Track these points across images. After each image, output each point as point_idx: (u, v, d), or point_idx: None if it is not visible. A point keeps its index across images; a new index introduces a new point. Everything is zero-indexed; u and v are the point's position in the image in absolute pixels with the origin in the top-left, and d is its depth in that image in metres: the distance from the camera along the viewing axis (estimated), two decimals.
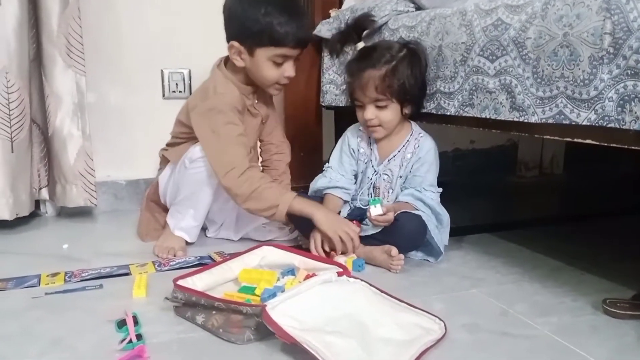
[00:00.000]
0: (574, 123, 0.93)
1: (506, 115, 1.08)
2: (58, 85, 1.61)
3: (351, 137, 1.43)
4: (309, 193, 1.44)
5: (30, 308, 1.06)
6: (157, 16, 1.82)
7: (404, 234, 1.26)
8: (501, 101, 1.09)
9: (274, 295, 0.98)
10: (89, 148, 1.66)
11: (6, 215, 1.54)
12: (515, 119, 1.05)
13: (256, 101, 1.47)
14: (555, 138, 1.00)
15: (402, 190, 1.37)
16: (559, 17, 0.94)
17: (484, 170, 2.31)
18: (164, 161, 1.51)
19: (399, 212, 1.28)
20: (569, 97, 0.94)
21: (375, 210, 1.29)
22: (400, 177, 1.37)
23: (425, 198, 1.33)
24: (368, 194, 1.39)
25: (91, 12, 1.70)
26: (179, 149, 1.43)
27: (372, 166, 1.39)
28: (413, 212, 1.29)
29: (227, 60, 1.42)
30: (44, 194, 1.73)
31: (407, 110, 1.34)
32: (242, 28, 1.33)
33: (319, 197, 1.42)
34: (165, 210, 1.48)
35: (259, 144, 1.62)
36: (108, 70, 1.79)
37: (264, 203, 1.29)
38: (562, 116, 0.95)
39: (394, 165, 1.37)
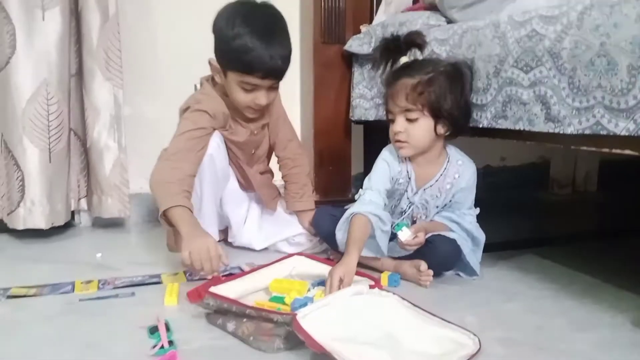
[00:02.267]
0: (612, 133, 0.91)
1: (541, 126, 1.06)
2: (96, 97, 1.66)
3: (392, 165, 1.31)
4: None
5: (65, 313, 1.08)
6: (191, 31, 1.86)
7: (437, 256, 1.23)
8: (536, 112, 1.07)
9: (304, 304, 0.97)
10: (124, 160, 1.71)
11: (42, 224, 1.58)
12: (550, 130, 1.04)
13: (243, 116, 1.43)
14: (592, 149, 0.99)
15: (438, 213, 1.34)
16: (596, 27, 0.93)
17: (515, 188, 2.28)
18: None
19: (432, 234, 1.25)
20: (607, 107, 0.92)
21: (403, 235, 1.23)
22: (437, 206, 1.33)
23: (464, 222, 1.29)
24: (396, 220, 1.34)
25: (128, 26, 1.75)
26: None
27: (407, 198, 1.32)
28: (447, 234, 1.26)
29: (212, 79, 1.43)
30: (83, 204, 1.77)
31: (441, 130, 1.24)
32: (217, 46, 1.32)
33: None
34: None
35: (274, 159, 1.61)
36: (143, 84, 1.84)
37: (157, 197, 1.27)
38: (600, 126, 0.94)
39: (430, 195, 1.31)
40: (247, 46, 1.24)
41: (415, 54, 1.32)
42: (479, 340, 0.90)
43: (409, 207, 1.34)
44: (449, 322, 0.96)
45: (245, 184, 1.53)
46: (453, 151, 1.33)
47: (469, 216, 1.32)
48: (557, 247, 1.54)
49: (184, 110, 1.39)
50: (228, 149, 1.45)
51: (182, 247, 1.15)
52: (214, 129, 1.38)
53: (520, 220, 1.88)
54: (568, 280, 1.26)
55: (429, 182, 1.31)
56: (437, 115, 1.22)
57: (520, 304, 1.12)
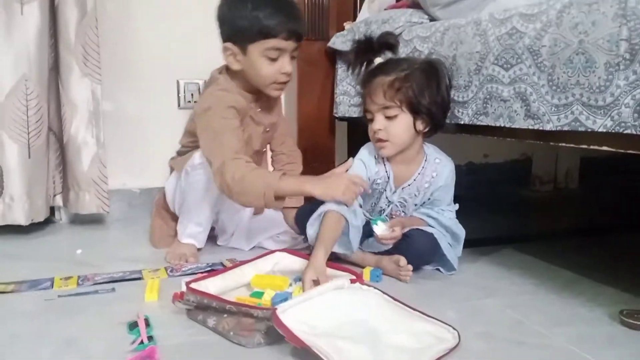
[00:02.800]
0: (589, 130, 0.93)
1: (521, 123, 1.07)
2: (74, 93, 1.63)
3: (370, 166, 1.31)
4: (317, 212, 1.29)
5: (44, 310, 1.07)
6: (173, 27, 1.85)
7: (414, 250, 1.24)
8: (516, 109, 1.08)
9: (285, 299, 0.97)
10: (103, 156, 1.68)
11: (22, 220, 1.56)
12: (530, 127, 1.05)
13: (259, 109, 1.44)
14: (571, 145, 1.00)
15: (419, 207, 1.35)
16: (574, 25, 0.94)
17: (497, 184, 2.30)
18: (172, 170, 1.52)
19: (410, 229, 1.26)
20: (585, 104, 0.93)
21: (379, 229, 1.24)
22: (415, 205, 1.34)
23: (442, 218, 1.30)
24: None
25: (108, 21, 1.73)
26: (184, 158, 1.44)
27: (386, 197, 1.34)
28: (425, 228, 1.27)
29: (228, 69, 1.40)
30: (59, 200, 1.75)
31: (420, 126, 1.25)
32: (232, 27, 1.32)
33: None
34: (176, 217, 1.49)
35: (270, 153, 1.62)
36: (125, 80, 1.82)
37: (251, 194, 1.21)
38: (578, 123, 0.95)
39: (408, 194, 1.32)
40: (267, 11, 1.27)
41: (388, 56, 1.33)
42: (459, 335, 0.91)
43: (388, 206, 1.35)
44: (429, 316, 0.97)
45: None
46: (431, 150, 1.34)
47: (447, 212, 1.33)
48: (538, 243, 1.55)
49: (205, 110, 1.32)
50: None
51: (327, 199, 1.21)
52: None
53: (502, 217, 1.90)
54: (548, 276, 1.27)
55: (407, 181, 1.32)
56: (415, 111, 1.23)
57: (501, 299, 1.13)
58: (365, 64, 1.32)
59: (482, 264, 1.37)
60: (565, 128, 0.97)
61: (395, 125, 1.24)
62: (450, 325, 0.94)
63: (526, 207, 2.17)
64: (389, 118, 1.24)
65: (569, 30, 0.95)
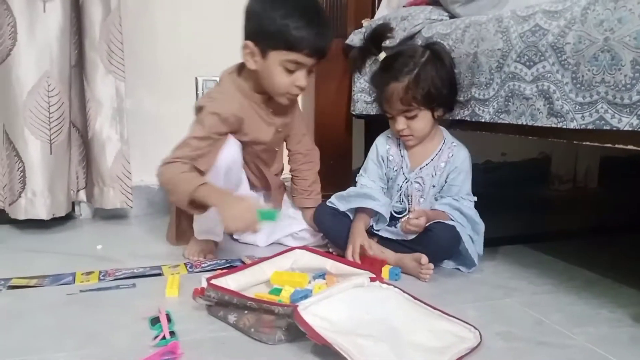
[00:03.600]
0: (614, 128, 0.92)
1: (544, 121, 1.06)
2: (99, 90, 1.66)
3: (380, 145, 1.41)
4: (343, 208, 1.38)
5: (66, 304, 1.09)
6: (192, 25, 1.86)
7: (436, 244, 1.24)
8: (538, 107, 1.07)
9: (305, 296, 0.98)
10: (127, 152, 1.71)
11: (43, 215, 1.59)
12: (553, 125, 1.04)
13: (270, 110, 1.42)
14: (595, 144, 0.98)
15: (436, 200, 1.35)
16: (599, 22, 0.93)
17: (516, 183, 2.28)
18: None
19: (432, 222, 1.26)
20: (610, 102, 0.92)
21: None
22: (434, 186, 1.35)
23: (463, 207, 1.30)
24: (399, 202, 1.38)
25: (130, 19, 1.74)
26: None
27: (403, 173, 1.37)
28: (447, 222, 1.27)
29: (241, 69, 1.39)
30: (82, 195, 1.77)
31: (438, 114, 1.31)
32: (258, 27, 1.29)
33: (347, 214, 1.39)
34: (189, 217, 1.49)
35: (286, 152, 1.61)
36: (145, 77, 1.83)
37: (175, 195, 1.26)
38: (603, 122, 0.94)
39: (426, 174, 1.35)
40: (296, 23, 1.24)
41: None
42: (480, 334, 0.91)
43: (405, 183, 1.36)
44: (449, 315, 0.97)
45: (260, 185, 1.52)
46: (447, 134, 1.38)
47: (467, 201, 1.33)
48: (557, 242, 1.54)
49: (199, 109, 1.35)
50: (249, 152, 1.43)
51: (221, 217, 1.20)
52: (227, 133, 1.35)
53: (520, 216, 1.88)
54: (567, 276, 1.26)
55: (424, 161, 1.35)
56: (432, 105, 1.28)
57: (520, 299, 1.12)
58: (370, 62, 1.37)
59: (501, 263, 1.36)
60: (590, 127, 0.96)
61: (417, 122, 1.30)
62: (471, 325, 0.93)
63: (545, 206, 2.15)
64: (409, 118, 1.30)
65: (594, 28, 0.94)
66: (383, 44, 1.37)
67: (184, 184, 1.24)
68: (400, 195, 1.37)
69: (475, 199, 1.35)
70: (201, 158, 1.30)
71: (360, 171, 1.45)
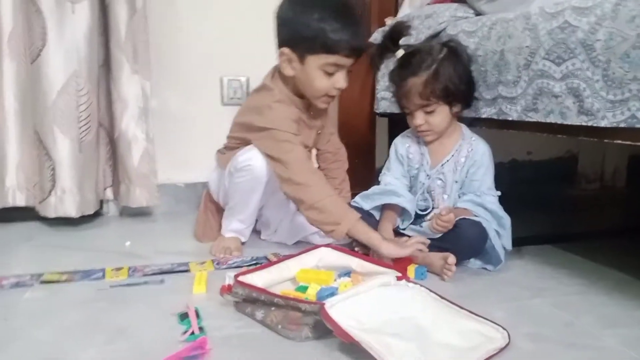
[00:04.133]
0: None
1: (573, 119, 1.05)
2: (125, 89, 1.68)
3: (399, 145, 1.43)
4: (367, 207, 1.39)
5: (96, 299, 1.11)
6: (217, 24, 1.87)
7: (464, 240, 1.24)
8: (568, 105, 1.06)
9: (331, 294, 0.98)
10: (152, 151, 1.73)
11: (72, 212, 1.62)
12: (583, 124, 1.02)
13: (311, 112, 1.44)
14: (627, 143, 0.97)
15: (459, 197, 1.35)
16: (631, 18, 0.91)
17: (541, 182, 2.24)
18: (217, 162, 1.53)
19: (459, 218, 1.25)
20: None
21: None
22: (456, 182, 1.35)
23: (486, 203, 1.30)
24: (423, 200, 1.38)
25: (155, 19, 1.76)
26: (228, 156, 1.43)
27: (425, 171, 1.38)
28: (473, 218, 1.26)
29: (278, 75, 1.38)
30: (109, 193, 1.80)
31: (456, 109, 1.33)
32: (293, 33, 1.29)
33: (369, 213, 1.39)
34: (221, 210, 1.51)
35: (314, 152, 1.62)
36: (170, 77, 1.85)
37: (327, 217, 1.25)
38: (635, 120, 0.92)
39: (448, 170, 1.36)
40: (333, 25, 1.24)
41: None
42: (508, 335, 0.90)
43: (427, 180, 1.37)
44: (477, 315, 0.96)
45: None
46: (466, 129, 1.39)
47: (489, 196, 1.32)
48: (585, 242, 1.51)
49: (267, 128, 1.31)
50: None
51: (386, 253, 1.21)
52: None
53: (547, 215, 1.85)
54: (597, 276, 1.24)
55: (445, 157, 1.37)
56: (449, 99, 1.30)
57: (549, 299, 1.11)
58: (387, 59, 1.39)
59: (528, 263, 1.34)
60: (622, 125, 0.94)
61: (435, 117, 1.32)
62: (499, 325, 0.93)
63: (572, 206, 2.11)
64: (427, 113, 1.32)
65: (626, 24, 0.92)
66: (401, 42, 1.37)
67: (336, 212, 1.24)
68: (424, 192, 1.38)
69: (499, 193, 1.35)
70: (306, 160, 1.33)
71: (383, 170, 1.46)
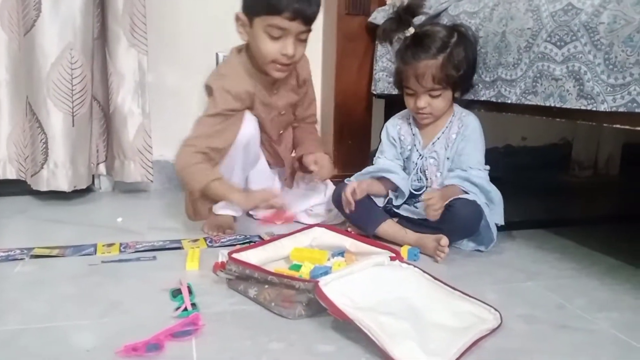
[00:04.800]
0: None
1: (573, 103, 1.04)
2: (121, 63, 1.66)
3: (390, 127, 1.43)
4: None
5: (88, 274, 1.10)
6: (215, 0, 1.84)
7: (458, 220, 1.24)
8: (568, 89, 1.05)
9: (325, 273, 0.98)
10: (148, 126, 1.71)
11: (65, 186, 1.60)
12: (583, 107, 1.01)
13: (275, 91, 1.41)
14: (626, 127, 0.96)
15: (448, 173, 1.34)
16: (637, 1, 0.90)
17: (535, 168, 2.25)
18: None
19: (452, 199, 1.25)
20: None
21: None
22: (448, 158, 1.35)
23: (472, 177, 1.29)
24: (417, 179, 1.38)
25: None
26: None
27: (417, 150, 1.38)
28: (466, 197, 1.26)
29: (247, 47, 1.37)
30: (102, 169, 1.78)
31: (457, 95, 1.33)
32: None
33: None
34: None
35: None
36: (166, 52, 1.83)
37: (188, 184, 1.28)
38: (635, 104, 0.91)
39: (440, 147, 1.35)
40: None
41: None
42: (500, 316, 0.90)
43: (420, 159, 1.37)
44: (470, 296, 0.96)
45: (274, 162, 1.51)
46: (457, 107, 1.39)
47: (476, 170, 1.31)
48: (578, 228, 1.52)
49: (209, 88, 1.35)
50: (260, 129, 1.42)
51: (245, 208, 1.27)
52: (242, 110, 1.34)
53: (540, 201, 1.87)
54: (589, 261, 1.25)
55: (436, 135, 1.36)
56: (455, 86, 1.31)
57: (542, 282, 1.11)
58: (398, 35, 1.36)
59: (522, 247, 1.35)
60: (621, 109, 0.94)
61: (438, 101, 1.32)
62: (491, 306, 0.93)
63: (565, 192, 2.12)
64: (433, 96, 1.31)
65: (631, 7, 0.91)
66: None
67: (197, 176, 1.25)
68: (417, 172, 1.38)
69: (488, 167, 1.34)
70: (217, 135, 1.29)
71: (377, 154, 1.45)
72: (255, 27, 1.27)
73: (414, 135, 1.39)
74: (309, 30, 1.30)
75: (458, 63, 1.27)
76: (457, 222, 1.24)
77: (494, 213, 1.30)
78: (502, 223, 1.31)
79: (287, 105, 1.46)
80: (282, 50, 1.27)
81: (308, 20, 1.27)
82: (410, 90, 1.33)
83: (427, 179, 1.37)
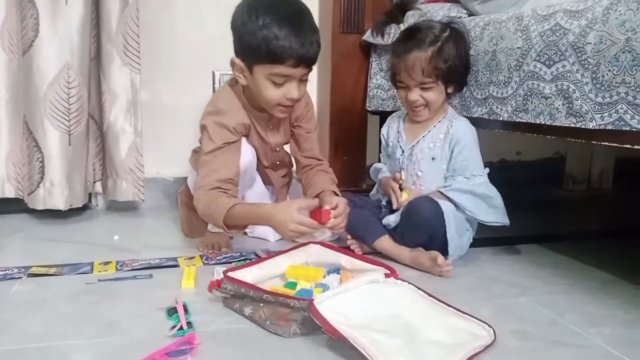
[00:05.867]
0: (634, 129, 0.91)
1: (562, 121, 1.06)
2: (114, 82, 1.67)
3: (383, 128, 1.48)
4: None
5: (85, 293, 1.11)
6: (212, 19, 1.86)
7: (416, 216, 1.24)
8: (557, 107, 1.07)
9: (309, 295, 0.98)
10: (140, 144, 1.72)
11: (61, 205, 1.61)
12: (572, 125, 1.04)
13: (271, 127, 1.41)
14: (614, 145, 0.98)
15: (446, 179, 1.34)
16: (622, 22, 0.93)
17: (530, 183, 2.27)
18: (190, 162, 1.53)
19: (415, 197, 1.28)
20: (630, 103, 0.92)
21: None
22: (433, 158, 1.33)
23: (475, 188, 1.30)
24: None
25: (149, 12, 1.75)
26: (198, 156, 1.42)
27: (400, 147, 1.40)
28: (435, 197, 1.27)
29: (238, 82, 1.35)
30: (98, 187, 1.79)
31: (450, 90, 1.33)
32: (241, 42, 1.24)
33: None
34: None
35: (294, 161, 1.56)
36: (162, 70, 1.85)
37: (212, 222, 1.27)
38: (622, 122, 0.93)
39: (424, 146, 1.35)
40: (275, 34, 1.17)
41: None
42: (494, 332, 0.91)
43: (402, 156, 1.39)
44: (464, 312, 0.97)
45: (266, 181, 1.51)
46: (451, 110, 1.39)
47: (477, 178, 1.31)
48: (571, 243, 1.53)
49: (204, 127, 1.33)
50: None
51: (276, 227, 1.20)
52: (241, 138, 1.34)
53: (534, 215, 1.88)
54: (583, 276, 1.26)
55: (422, 133, 1.37)
56: (450, 79, 1.31)
57: (535, 298, 1.12)
58: (390, 31, 1.42)
59: (515, 262, 1.35)
60: (609, 127, 0.96)
61: (430, 94, 1.32)
62: (485, 322, 0.94)
63: (559, 207, 2.14)
64: (424, 89, 1.31)
65: (616, 28, 0.94)
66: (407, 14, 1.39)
67: (217, 211, 1.22)
68: (401, 170, 1.39)
69: (487, 170, 1.35)
70: (222, 168, 1.28)
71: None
72: (257, 75, 1.25)
73: (398, 132, 1.42)
74: (311, 70, 1.28)
75: (448, 57, 1.27)
76: (415, 218, 1.25)
77: (497, 215, 1.32)
78: (507, 223, 1.32)
79: (280, 144, 1.47)
80: (287, 95, 1.25)
81: (311, 64, 1.25)
82: (402, 83, 1.34)
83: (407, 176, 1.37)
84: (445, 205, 1.26)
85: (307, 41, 1.20)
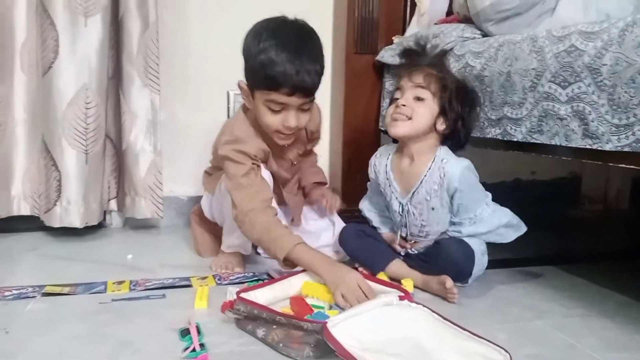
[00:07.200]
0: None
1: (578, 142, 1.05)
2: (134, 102, 1.70)
3: (371, 160, 1.42)
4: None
5: (98, 312, 1.11)
6: (226, 39, 1.87)
7: (446, 258, 1.24)
8: (573, 128, 1.06)
9: (323, 318, 0.97)
10: (159, 163, 1.74)
11: (77, 223, 1.62)
12: (588, 147, 1.03)
13: (287, 144, 1.38)
14: (631, 167, 0.97)
15: (450, 224, 1.31)
16: (638, 44, 0.92)
17: (545, 202, 2.24)
18: (204, 184, 1.53)
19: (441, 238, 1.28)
20: None
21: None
22: (433, 209, 1.28)
23: (479, 228, 1.28)
24: (405, 226, 1.35)
25: (166, 33, 1.78)
26: (213, 179, 1.44)
27: (396, 198, 1.34)
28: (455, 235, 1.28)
29: None
30: (113, 205, 1.80)
31: (440, 125, 1.24)
32: (245, 65, 1.24)
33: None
34: (213, 228, 1.51)
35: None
36: (178, 90, 1.87)
37: (267, 250, 1.25)
38: None
39: (421, 199, 1.29)
40: (272, 59, 1.16)
41: None
42: (510, 356, 0.89)
43: (402, 209, 1.33)
44: (479, 336, 0.95)
45: (279, 201, 1.49)
46: (442, 152, 1.28)
47: (483, 211, 1.28)
48: (588, 264, 1.51)
49: (223, 157, 1.31)
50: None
51: (332, 288, 1.12)
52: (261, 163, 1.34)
53: (549, 236, 1.85)
54: (599, 299, 1.24)
55: (414, 184, 1.29)
56: (443, 110, 1.24)
57: (551, 321, 1.11)
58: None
59: (530, 285, 1.34)
60: (626, 149, 0.95)
61: (421, 107, 1.24)
62: (501, 347, 0.92)
63: (575, 227, 2.11)
64: (418, 99, 1.24)
65: (632, 50, 0.93)
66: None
67: (279, 242, 1.19)
68: (401, 221, 1.35)
69: (489, 195, 1.31)
70: (262, 188, 1.27)
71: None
72: (256, 100, 1.25)
73: (387, 177, 1.35)
74: (311, 100, 1.26)
75: (452, 92, 1.23)
76: (444, 261, 1.23)
77: (515, 231, 1.32)
78: (525, 229, 1.33)
79: (297, 156, 1.47)
80: (284, 123, 1.24)
81: (308, 93, 1.22)
82: (398, 92, 1.28)
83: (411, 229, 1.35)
84: (473, 242, 1.26)
85: (303, 69, 1.17)
